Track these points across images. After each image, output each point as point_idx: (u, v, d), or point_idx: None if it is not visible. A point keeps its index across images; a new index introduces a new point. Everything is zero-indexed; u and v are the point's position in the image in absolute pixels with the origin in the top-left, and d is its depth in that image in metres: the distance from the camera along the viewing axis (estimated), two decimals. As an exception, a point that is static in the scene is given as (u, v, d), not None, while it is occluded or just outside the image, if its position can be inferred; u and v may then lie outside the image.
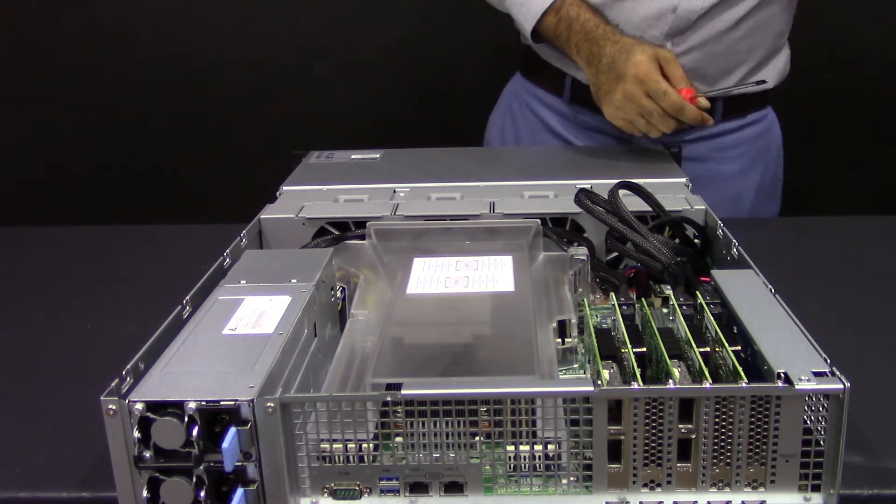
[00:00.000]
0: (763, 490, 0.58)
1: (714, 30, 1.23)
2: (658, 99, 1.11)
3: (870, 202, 1.98)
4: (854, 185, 2.01)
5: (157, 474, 0.56)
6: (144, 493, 0.56)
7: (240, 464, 0.57)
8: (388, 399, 0.57)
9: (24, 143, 2.07)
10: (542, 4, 1.22)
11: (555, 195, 0.97)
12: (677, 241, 0.85)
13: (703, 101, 1.11)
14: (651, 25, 1.23)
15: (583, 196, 0.85)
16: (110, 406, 0.55)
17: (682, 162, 1.19)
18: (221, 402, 0.55)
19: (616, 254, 0.88)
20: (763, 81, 1.29)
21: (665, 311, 0.74)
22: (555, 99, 1.35)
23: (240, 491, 0.57)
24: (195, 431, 0.55)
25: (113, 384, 0.56)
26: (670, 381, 0.57)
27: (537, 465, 0.58)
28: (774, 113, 1.40)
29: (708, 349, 0.64)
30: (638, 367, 0.62)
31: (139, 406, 0.55)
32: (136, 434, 0.55)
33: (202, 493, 0.56)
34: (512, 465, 0.58)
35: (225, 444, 0.54)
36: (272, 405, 0.56)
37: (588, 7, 1.20)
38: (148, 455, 0.55)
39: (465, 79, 1.98)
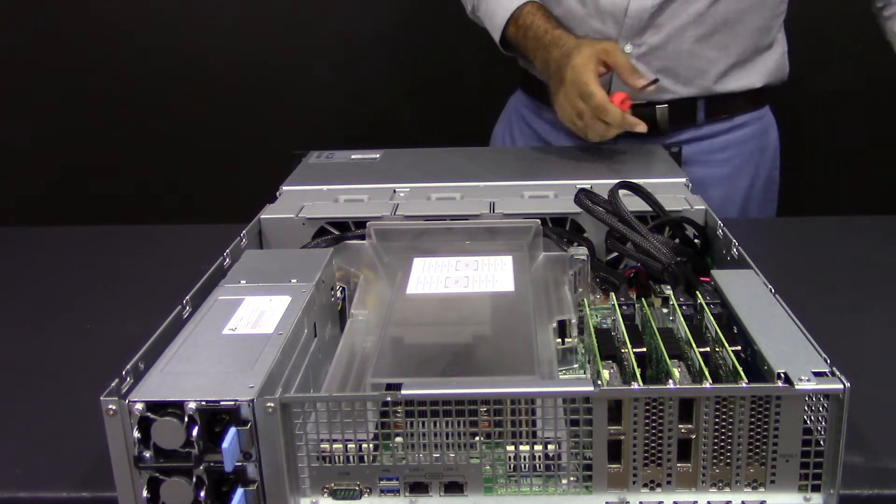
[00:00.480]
0: (763, 490, 0.58)
1: (673, 27, 1.22)
2: (586, 100, 1.12)
3: (870, 202, 1.98)
4: (854, 184, 2.01)
5: (157, 474, 0.56)
6: (144, 493, 0.56)
7: (240, 464, 0.57)
8: (388, 399, 0.57)
9: (23, 143, 2.07)
10: (504, 15, 1.25)
11: (555, 195, 0.97)
12: (677, 241, 0.85)
13: (652, 92, 1.12)
14: (608, 27, 1.23)
15: (583, 196, 0.85)
16: (110, 406, 0.55)
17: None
18: (221, 402, 0.55)
19: (616, 254, 0.88)
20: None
21: (665, 311, 0.74)
22: (552, 113, 1.33)
23: (240, 491, 0.57)
24: (195, 431, 0.55)
25: (113, 384, 0.56)
26: (670, 381, 0.57)
27: (537, 465, 0.58)
28: (773, 115, 1.38)
29: (708, 349, 0.63)
30: (638, 367, 0.62)
31: (139, 406, 0.55)
32: (136, 434, 0.55)
33: (202, 494, 0.56)
34: (512, 465, 0.58)
35: (225, 444, 0.54)
36: (272, 405, 0.56)
37: (542, 13, 1.23)
38: (148, 455, 0.55)
39: (466, 78, 1.98)
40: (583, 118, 1.13)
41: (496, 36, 1.28)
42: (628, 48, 1.23)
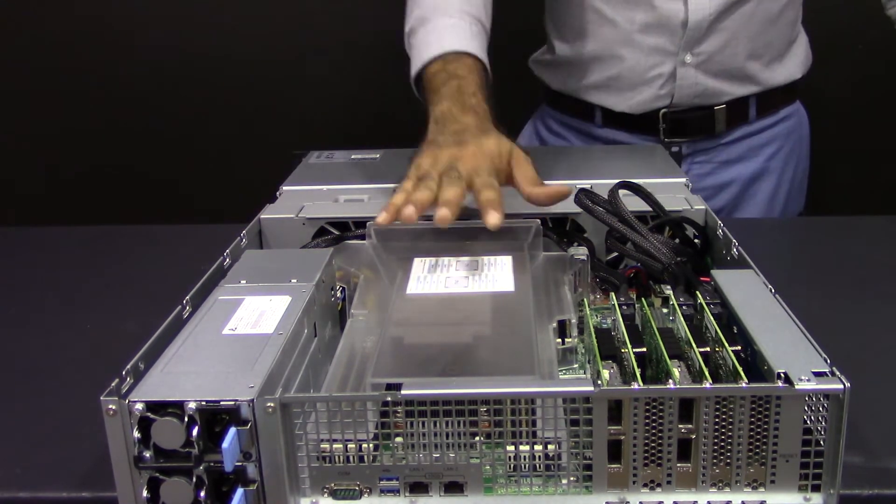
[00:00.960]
0: (763, 490, 0.58)
1: (729, 32, 1.23)
2: (476, 180, 0.87)
3: (871, 202, 1.98)
4: (856, 184, 2.01)
5: (157, 474, 0.56)
6: (144, 493, 0.56)
7: (240, 464, 0.57)
8: (388, 399, 0.57)
9: (23, 142, 2.07)
10: (442, 49, 1.09)
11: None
12: (677, 241, 0.85)
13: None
14: (664, 43, 1.23)
15: (583, 196, 0.85)
16: (110, 406, 0.55)
17: (719, 165, 1.18)
18: (221, 402, 0.55)
19: (616, 254, 0.88)
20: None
21: (665, 311, 0.74)
22: (585, 124, 1.35)
23: (240, 491, 0.57)
24: (195, 431, 0.54)
25: (113, 384, 0.56)
26: (670, 381, 0.57)
27: (537, 465, 0.58)
28: (803, 107, 1.41)
29: (708, 349, 0.63)
30: (638, 367, 0.62)
31: (139, 406, 0.55)
32: (136, 434, 0.55)
33: (202, 493, 0.56)
34: (512, 465, 0.58)
35: (225, 444, 0.54)
36: (272, 405, 0.56)
37: (476, 80, 1.06)
38: (148, 455, 0.55)
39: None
40: (443, 179, 0.87)
41: (426, 53, 1.10)
42: (688, 59, 1.23)
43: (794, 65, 1.33)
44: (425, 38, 1.12)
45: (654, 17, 1.23)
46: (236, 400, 0.55)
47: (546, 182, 1.00)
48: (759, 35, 1.26)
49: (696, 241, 0.88)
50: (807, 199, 1.48)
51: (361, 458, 0.58)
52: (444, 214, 0.81)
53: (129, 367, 0.58)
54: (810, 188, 1.51)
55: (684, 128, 1.29)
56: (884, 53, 1.88)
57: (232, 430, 0.55)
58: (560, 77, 1.35)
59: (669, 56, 1.24)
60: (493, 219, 0.81)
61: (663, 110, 1.28)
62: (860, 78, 1.96)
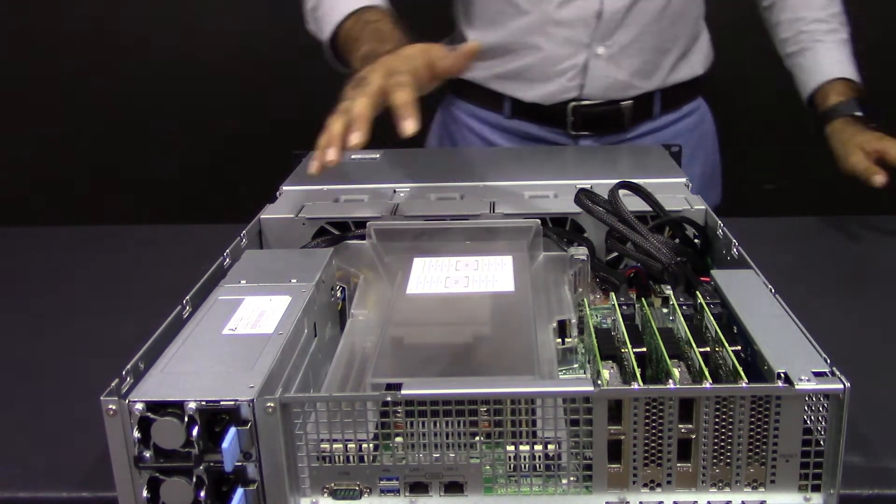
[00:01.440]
0: (763, 490, 0.58)
1: (641, 24, 1.25)
2: (389, 81, 0.88)
3: (872, 201, 1.97)
4: (855, 183, 2.00)
5: (157, 474, 0.56)
6: (144, 493, 0.56)
7: (240, 464, 0.57)
8: (388, 399, 0.57)
9: (23, 143, 2.07)
10: (345, 11, 1.14)
11: (555, 195, 0.97)
12: (677, 241, 0.85)
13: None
14: (577, 34, 1.24)
15: (583, 196, 0.85)
16: (110, 406, 0.55)
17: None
18: (221, 402, 0.55)
19: (616, 254, 0.88)
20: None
21: (665, 311, 0.74)
22: (493, 115, 1.36)
23: (240, 491, 0.57)
24: (195, 431, 0.55)
25: (113, 384, 0.56)
26: (670, 381, 0.57)
27: (537, 465, 0.58)
28: (706, 103, 1.43)
29: (708, 349, 0.63)
30: (638, 367, 0.62)
31: (139, 406, 0.55)
32: (136, 434, 0.55)
33: (202, 493, 0.56)
34: (512, 465, 0.58)
35: (225, 444, 0.54)
36: (272, 405, 0.56)
37: (391, 21, 1.10)
38: (148, 455, 0.55)
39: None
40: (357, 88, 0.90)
41: (334, 17, 1.14)
42: (601, 50, 1.25)
43: (697, 61, 1.34)
44: (331, 4, 1.16)
45: (570, 8, 1.24)
46: (236, 400, 0.55)
47: (546, 182, 1.00)
48: (667, 29, 1.28)
49: (696, 241, 0.88)
50: (807, 200, 1.48)
51: (361, 458, 0.58)
52: (353, 139, 0.82)
53: (129, 367, 0.58)
54: (815, 188, 1.51)
55: (592, 122, 1.30)
56: (885, 53, 1.88)
57: (232, 430, 0.55)
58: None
59: (582, 47, 1.25)
60: (406, 127, 0.82)
61: (573, 103, 1.29)
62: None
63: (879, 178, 1.14)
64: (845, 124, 1.23)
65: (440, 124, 1.45)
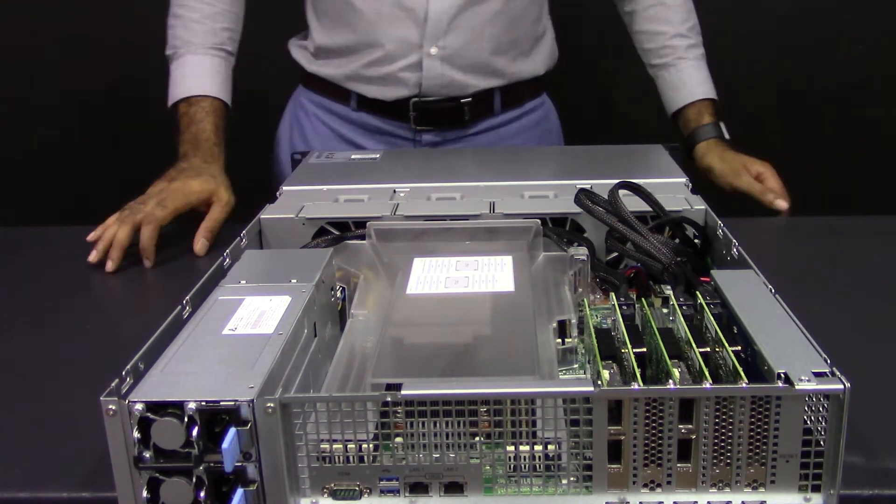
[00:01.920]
0: (763, 490, 0.58)
1: (474, 27, 1.28)
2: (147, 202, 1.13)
3: (873, 200, 1.98)
4: (859, 184, 2.01)
5: (157, 475, 0.56)
6: (144, 494, 0.56)
7: (240, 464, 0.56)
8: (388, 399, 0.57)
9: (22, 141, 2.07)
10: (195, 90, 1.30)
11: (555, 195, 0.97)
12: (677, 241, 0.85)
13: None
14: (409, 33, 1.27)
15: (583, 196, 0.85)
16: (110, 406, 0.55)
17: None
18: (221, 403, 0.55)
19: (616, 254, 0.88)
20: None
21: (665, 311, 0.74)
22: (340, 106, 1.39)
23: (240, 491, 0.56)
24: (195, 432, 0.54)
25: (113, 384, 0.56)
26: (670, 381, 0.57)
27: (537, 466, 0.58)
28: (550, 100, 1.47)
29: (708, 349, 0.63)
30: (638, 367, 0.62)
31: (139, 406, 0.55)
32: (136, 434, 0.55)
33: (202, 494, 0.56)
34: (512, 466, 0.58)
35: (225, 445, 0.54)
36: (272, 405, 0.56)
37: (213, 122, 1.29)
38: (148, 455, 0.55)
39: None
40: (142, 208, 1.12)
41: (177, 92, 1.32)
42: (433, 51, 1.28)
43: (539, 60, 1.39)
44: (175, 73, 1.33)
45: (399, 9, 1.27)
46: (236, 400, 0.55)
47: (545, 182, 1.00)
48: (504, 33, 1.31)
49: (696, 241, 0.87)
50: (808, 199, 1.48)
51: (361, 459, 0.58)
52: (108, 266, 1.06)
53: (128, 367, 0.58)
54: (817, 187, 1.50)
55: (433, 117, 1.34)
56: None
57: (232, 431, 0.55)
58: (317, 63, 1.39)
59: (415, 48, 1.28)
60: (145, 262, 1.08)
61: (413, 99, 1.32)
62: (862, 76, 1.96)
63: (782, 203, 1.25)
64: (715, 144, 1.36)
65: (291, 114, 1.48)
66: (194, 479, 0.56)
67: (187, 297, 0.69)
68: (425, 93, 1.32)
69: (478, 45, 1.30)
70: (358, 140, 1.39)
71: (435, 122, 1.35)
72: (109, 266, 1.06)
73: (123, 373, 0.57)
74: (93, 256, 1.07)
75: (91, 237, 1.09)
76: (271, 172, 1.49)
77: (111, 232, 1.08)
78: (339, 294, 0.79)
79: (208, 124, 1.27)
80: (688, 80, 1.39)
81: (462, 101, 1.33)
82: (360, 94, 1.35)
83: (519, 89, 1.38)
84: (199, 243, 1.11)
